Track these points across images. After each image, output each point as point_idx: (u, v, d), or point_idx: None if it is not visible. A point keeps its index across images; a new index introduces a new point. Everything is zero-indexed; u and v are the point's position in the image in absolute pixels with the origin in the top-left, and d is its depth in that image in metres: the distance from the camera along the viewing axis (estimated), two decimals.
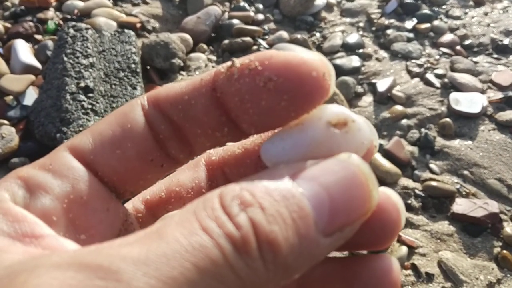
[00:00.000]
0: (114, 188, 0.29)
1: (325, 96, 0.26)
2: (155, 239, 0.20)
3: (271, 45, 1.59)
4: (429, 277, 1.04)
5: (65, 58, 1.18)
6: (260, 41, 1.62)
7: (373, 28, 1.75)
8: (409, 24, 1.75)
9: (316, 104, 0.26)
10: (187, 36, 1.59)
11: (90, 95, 1.13)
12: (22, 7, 1.64)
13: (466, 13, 1.82)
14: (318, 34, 1.72)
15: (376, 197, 0.24)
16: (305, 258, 0.22)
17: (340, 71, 1.53)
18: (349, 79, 1.48)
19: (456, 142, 1.32)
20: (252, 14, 1.74)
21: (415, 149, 1.31)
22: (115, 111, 0.29)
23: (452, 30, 1.73)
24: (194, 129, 0.28)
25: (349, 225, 0.23)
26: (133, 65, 1.29)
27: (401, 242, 1.10)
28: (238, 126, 0.27)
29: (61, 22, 1.62)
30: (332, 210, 0.22)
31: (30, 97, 1.31)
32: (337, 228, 0.22)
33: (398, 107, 1.42)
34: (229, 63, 0.27)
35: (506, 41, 1.65)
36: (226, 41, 1.60)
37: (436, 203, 1.19)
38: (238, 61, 0.26)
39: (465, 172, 1.25)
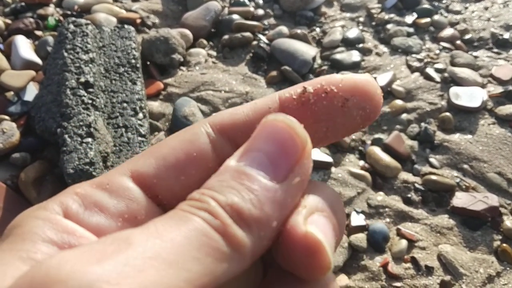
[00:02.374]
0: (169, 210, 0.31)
1: (380, 109, 0.31)
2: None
3: (271, 40, 1.59)
4: (429, 270, 1.05)
5: (65, 54, 1.18)
6: (260, 36, 1.62)
7: (373, 23, 1.75)
8: (409, 18, 1.74)
9: (377, 115, 0.31)
10: (187, 32, 1.59)
11: (90, 90, 1.13)
12: (23, 3, 1.64)
13: (466, 8, 1.81)
14: (318, 29, 1.72)
15: (303, 134, 0.27)
16: (271, 206, 0.25)
17: (340, 66, 1.53)
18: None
19: (456, 136, 1.32)
20: (252, 9, 1.74)
21: (415, 144, 1.31)
22: (178, 137, 0.31)
23: (452, 24, 1.73)
24: None
25: (295, 164, 0.26)
26: (133, 61, 1.30)
27: (401, 235, 1.10)
28: None
29: (61, 18, 1.62)
30: (272, 161, 0.26)
31: (31, 92, 1.32)
32: (286, 172, 0.26)
33: (398, 102, 1.42)
34: (298, 89, 0.31)
35: (506, 35, 1.64)
36: (226, 37, 1.60)
37: (436, 197, 1.19)
38: (311, 87, 0.30)
39: (465, 166, 1.25)
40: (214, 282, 0.22)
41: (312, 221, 0.27)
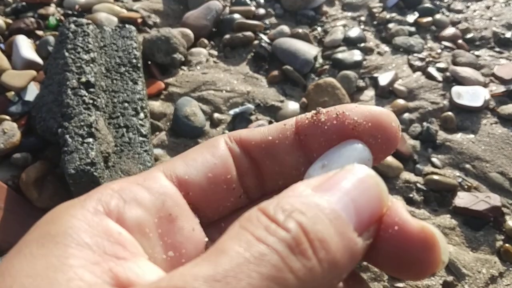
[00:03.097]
0: (197, 210, 0.31)
1: (396, 145, 0.30)
2: (219, 255, 0.21)
3: (272, 40, 1.59)
4: None
5: (66, 54, 1.17)
6: (261, 35, 1.62)
7: (375, 22, 1.74)
8: (411, 18, 1.74)
9: (391, 150, 0.31)
10: (188, 31, 1.59)
11: (91, 90, 1.13)
12: (23, 3, 1.63)
13: (468, 7, 1.81)
14: (319, 29, 1.71)
15: (387, 196, 0.26)
16: (349, 256, 0.23)
17: (341, 65, 1.53)
18: (350, 73, 1.48)
19: (458, 136, 1.32)
20: (253, 8, 1.73)
21: (417, 143, 1.31)
22: (202, 144, 0.33)
23: (454, 23, 1.72)
24: (273, 166, 0.32)
25: (373, 223, 0.25)
26: (134, 60, 1.29)
27: None
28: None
29: (62, 17, 1.62)
30: (357, 211, 0.24)
31: (32, 92, 1.31)
32: (365, 227, 0.24)
33: (400, 101, 1.41)
34: (313, 111, 0.32)
35: (508, 34, 1.64)
36: (227, 36, 1.60)
37: (438, 196, 1.19)
38: (325, 109, 0.32)
39: (467, 165, 1.25)
40: None
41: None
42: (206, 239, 0.31)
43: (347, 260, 0.23)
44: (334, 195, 0.24)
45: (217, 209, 0.32)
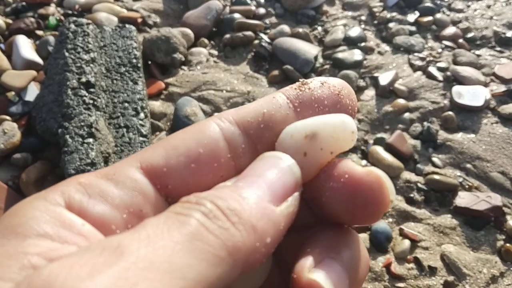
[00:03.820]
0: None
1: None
2: (142, 224, 0.24)
3: (272, 39, 1.59)
4: (432, 271, 1.04)
5: (66, 54, 1.17)
6: (262, 35, 1.61)
7: (375, 22, 1.74)
8: (411, 17, 1.74)
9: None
10: (188, 31, 1.59)
11: (92, 90, 1.13)
12: (23, 3, 1.63)
13: (468, 6, 1.81)
14: (319, 28, 1.71)
15: (298, 174, 0.29)
16: (267, 221, 0.26)
17: (342, 65, 1.53)
18: (351, 73, 1.48)
19: (459, 136, 1.32)
20: (253, 8, 1.73)
21: (417, 143, 1.31)
22: (188, 128, 0.31)
23: (454, 23, 1.72)
24: (272, 139, 0.32)
25: (288, 195, 0.28)
26: (134, 60, 1.29)
27: (404, 235, 1.10)
28: None
29: (62, 17, 1.62)
30: (270, 187, 0.27)
31: (32, 92, 1.31)
32: (281, 198, 0.27)
33: (401, 101, 1.41)
34: (298, 82, 0.34)
35: (509, 33, 1.64)
36: (227, 36, 1.60)
37: (438, 196, 1.19)
38: (308, 80, 0.34)
39: (468, 165, 1.25)
40: None
41: (323, 267, 0.28)
42: None
43: (267, 224, 0.25)
44: (247, 181, 0.27)
45: None
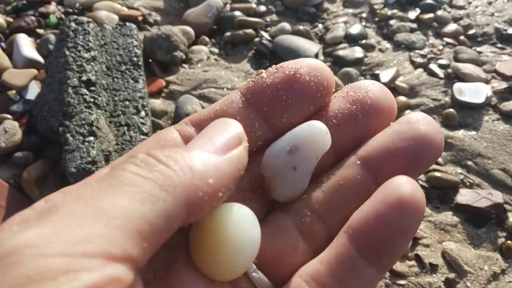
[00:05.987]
0: None
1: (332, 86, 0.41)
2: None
3: (273, 37, 1.59)
4: (433, 268, 1.04)
5: (67, 52, 1.17)
6: (262, 33, 1.61)
7: (376, 19, 1.74)
8: (412, 14, 1.73)
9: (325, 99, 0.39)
10: (188, 29, 1.59)
11: (92, 88, 1.13)
12: (24, 2, 1.63)
13: (470, 3, 1.80)
14: (320, 25, 1.71)
15: (240, 132, 0.32)
16: (205, 163, 0.28)
17: (343, 62, 1.53)
18: (352, 70, 1.47)
19: (460, 133, 1.31)
20: (254, 5, 1.73)
21: None
22: (152, 135, 0.37)
23: (455, 20, 1.71)
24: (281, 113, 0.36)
25: (233, 147, 0.30)
26: (135, 58, 1.29)
27: None
28: None
29: (62, 16, 1.62)
30: (211, 140, 0.30)
31: (33, 91, 1.31)
32: (225, 149, 0.30)
33: (402, 98, 1.41)
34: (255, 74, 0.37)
35: (510, 30, 1.63)
36: (228, 33, 1.60)
37: (440, 194, 1.19)
38: (264, 70, 0.36)
39: (469, 162, 1.25)
40: (150, 226, 0.24)
41: None
42: None
43: (206, 166, 0.28)
44: (192, 140, 0.31)
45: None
